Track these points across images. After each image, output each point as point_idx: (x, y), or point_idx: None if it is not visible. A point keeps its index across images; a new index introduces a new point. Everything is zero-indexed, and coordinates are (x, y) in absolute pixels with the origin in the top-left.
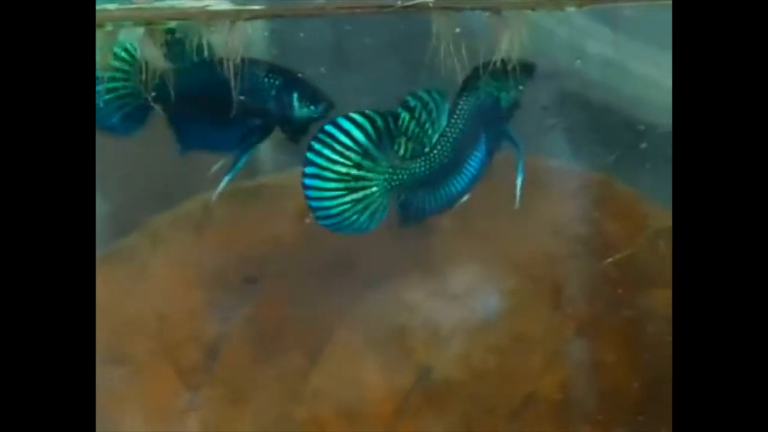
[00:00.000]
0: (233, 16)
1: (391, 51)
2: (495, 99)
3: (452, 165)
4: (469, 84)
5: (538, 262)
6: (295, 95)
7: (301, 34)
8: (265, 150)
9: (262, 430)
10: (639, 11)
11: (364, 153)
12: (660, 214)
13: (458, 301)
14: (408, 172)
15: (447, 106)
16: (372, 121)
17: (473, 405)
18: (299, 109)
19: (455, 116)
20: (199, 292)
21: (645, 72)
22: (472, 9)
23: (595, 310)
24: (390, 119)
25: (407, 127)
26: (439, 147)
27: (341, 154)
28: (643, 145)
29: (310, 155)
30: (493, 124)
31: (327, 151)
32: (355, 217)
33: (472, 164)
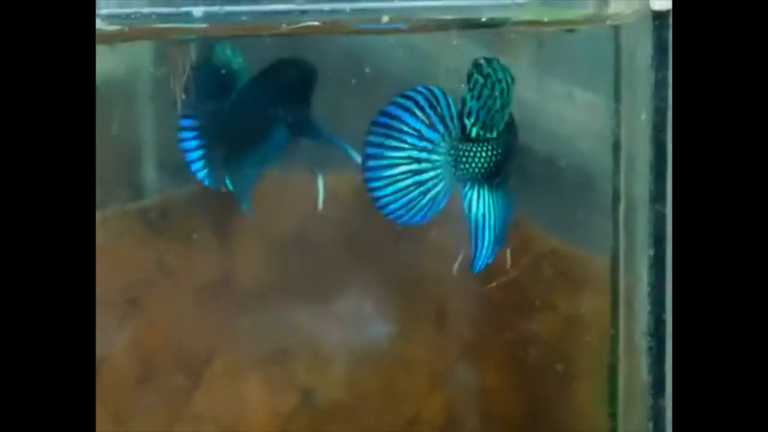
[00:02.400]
0: None
1: None
2: None
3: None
4: None
5: (421, 285)
6: None
7: None
8: (149, 172)
9: None
10: (522, 36)
11: (420, 135)
12: (543, 238)
13: (341, 322)
14: (472, 156)
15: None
16: (415, 102)
17: (356, 427)
18: None
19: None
20: None
21: (528, 97)
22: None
23: (478, 333)
24: (437, 97)
25: (470, 108)
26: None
27: (399, 140)
28: (526, 169)
29: (369, 149)
30: None
31: (384, 140)
32: (417, 200)
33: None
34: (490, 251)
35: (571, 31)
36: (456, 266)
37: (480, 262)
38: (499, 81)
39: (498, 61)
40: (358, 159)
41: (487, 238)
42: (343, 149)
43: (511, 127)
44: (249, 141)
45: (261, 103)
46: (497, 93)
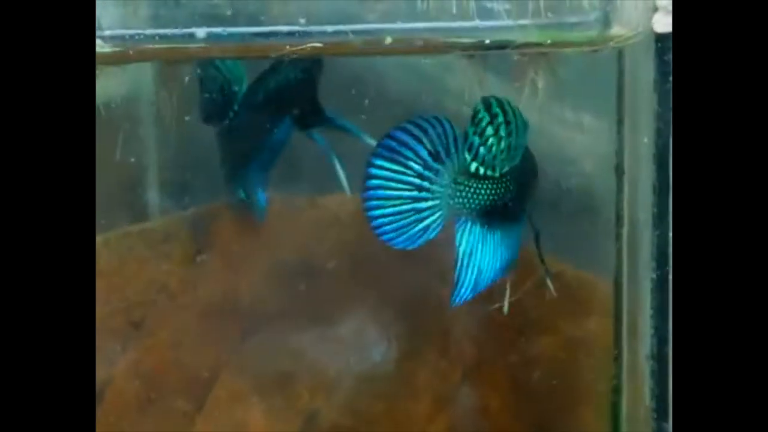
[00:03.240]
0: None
1: None
2: None
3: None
4: None
5: (425, 307)
6: None
7: None
8: (152, 194)
9: None
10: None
11: (425, 164)
12: (547, 260)
13: (345, 345)
14: (471, 191)
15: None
16: (423, 130)
17: None
18: None
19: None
20: None
21: (532, 120)
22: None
23: (481, 355)
24: (445, 127)
25: (471, 142)
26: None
27: (404, 165)
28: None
29: (372, 170)
30: None
31: (388, 164)
32: (411, 226)
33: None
34: (470, 288)
35: (595, 51)
36: (505, 304)
37: (459, 297)
38: (507, 123)
39: (509, 103)
40: (370, 140)
41: (471, 275)
42: (356, 134)
43: (521, 171)
44: (256, 144)
45: (265, 103)
46: (503, 133)
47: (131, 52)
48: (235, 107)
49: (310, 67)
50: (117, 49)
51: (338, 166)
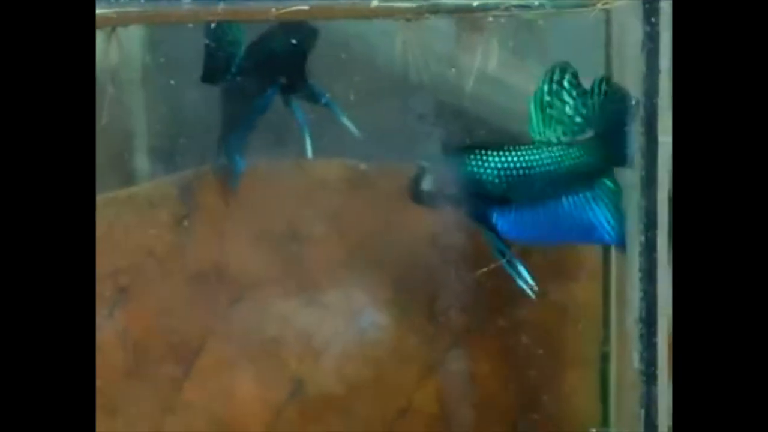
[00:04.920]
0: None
1: None
2: None
3: None
4: None
5: (413, 273)
6: None
7: None
8: (141, 158)
9: None
10: (510, 22)
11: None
12: None
13: (332, 312)
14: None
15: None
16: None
17: (348, 418)
18: None
19: None
20: None
21: (517, 83)
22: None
23: (469, 320)
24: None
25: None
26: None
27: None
28: None
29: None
30: None
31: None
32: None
33: None
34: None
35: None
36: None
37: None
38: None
39: None
40: (345, 121)
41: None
42: (332, 108)
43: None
44: (242, 108)
45: (258, 68)
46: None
47: (116, 16)
48: (233, 70)
49: (303, 34)
50: (104, 11)
51: (308, 139)
